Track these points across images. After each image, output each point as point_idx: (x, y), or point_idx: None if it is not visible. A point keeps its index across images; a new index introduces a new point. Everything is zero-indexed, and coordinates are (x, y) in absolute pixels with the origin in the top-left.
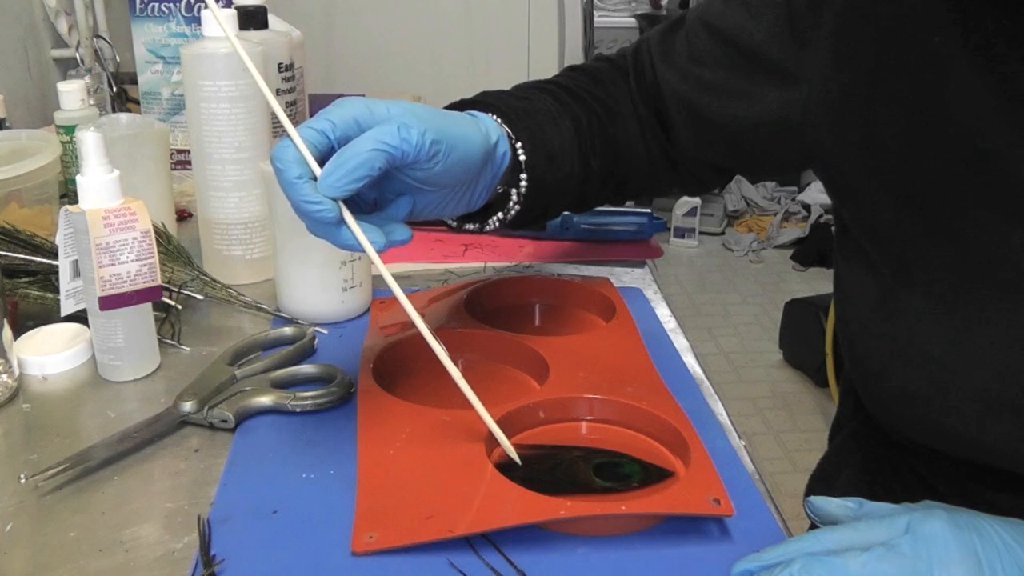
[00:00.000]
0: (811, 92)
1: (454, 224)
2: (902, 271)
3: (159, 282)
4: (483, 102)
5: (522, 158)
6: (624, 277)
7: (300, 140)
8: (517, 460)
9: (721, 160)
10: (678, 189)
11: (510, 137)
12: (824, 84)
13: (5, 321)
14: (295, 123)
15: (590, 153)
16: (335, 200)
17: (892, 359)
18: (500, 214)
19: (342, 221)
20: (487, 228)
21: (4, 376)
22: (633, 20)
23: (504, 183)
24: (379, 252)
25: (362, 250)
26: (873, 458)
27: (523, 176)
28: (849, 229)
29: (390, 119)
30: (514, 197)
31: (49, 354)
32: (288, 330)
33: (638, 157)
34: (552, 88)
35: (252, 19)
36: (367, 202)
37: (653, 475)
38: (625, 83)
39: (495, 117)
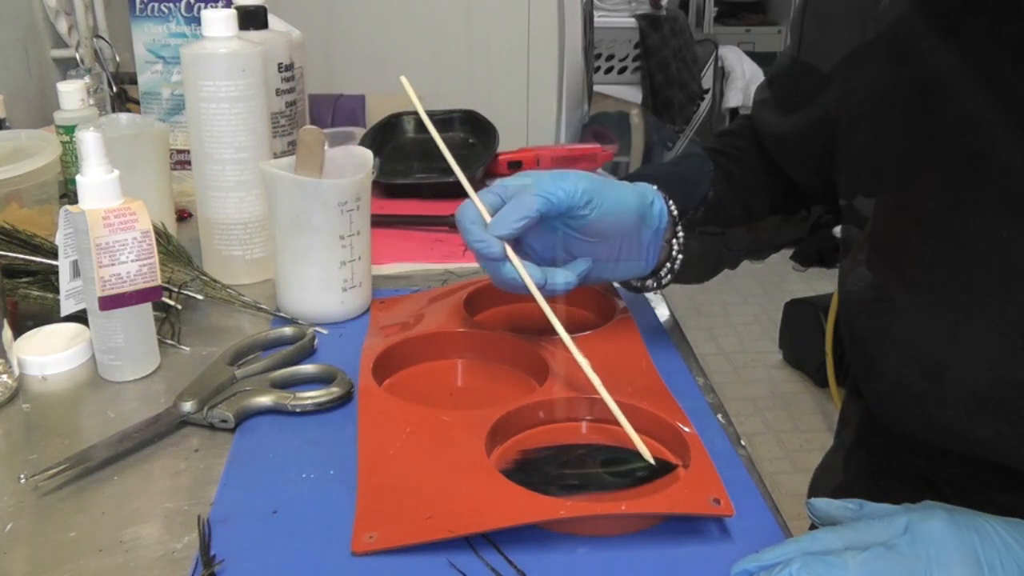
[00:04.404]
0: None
1: (638, 284)
2: (897, 267)
3: (159, 282)
4: (638, 174)
5: (674, 212)
6: None
7: (476, 197)
8: (650, 460)
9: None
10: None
11: (665, 198)
12: (841, 98)
13: (5, 321)
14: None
15: (748, 199)
16: (501, 241)
17: (887, 353)
18: (668, 264)
19: (507, 259)
20: (664, 283)
21: (4, 376)
22: (633, 20)
23: (667, 239)
24: (539, 287)
25: (524, 286)
26: (878, 454)
27: (679, 228)
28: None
29: (550, 176)
30: (675, 247)
31: (49, 354)
32: (288, 330)
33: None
34: (702, 151)
35: (252, 19)
36: (544, 261)
37: (659, 467)
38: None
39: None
